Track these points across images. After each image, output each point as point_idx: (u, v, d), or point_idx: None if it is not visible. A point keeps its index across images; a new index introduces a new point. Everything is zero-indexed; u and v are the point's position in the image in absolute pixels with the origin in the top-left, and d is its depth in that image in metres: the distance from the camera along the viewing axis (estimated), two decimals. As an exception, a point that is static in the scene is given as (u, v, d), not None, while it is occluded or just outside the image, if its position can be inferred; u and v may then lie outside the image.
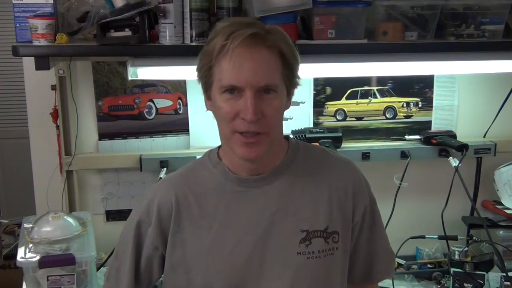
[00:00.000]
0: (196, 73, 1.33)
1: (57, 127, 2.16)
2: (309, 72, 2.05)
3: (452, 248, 2.20)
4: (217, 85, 1.27)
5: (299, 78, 1.34)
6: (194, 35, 1.80)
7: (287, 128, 2.22)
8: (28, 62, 2.01)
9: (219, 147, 1.41)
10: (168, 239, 1.36)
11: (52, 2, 1.79)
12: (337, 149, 2.21)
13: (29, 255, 1.83)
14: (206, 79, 1.30)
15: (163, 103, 2.24)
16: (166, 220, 1.36)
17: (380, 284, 1.54)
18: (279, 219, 1.34)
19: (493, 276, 2.12)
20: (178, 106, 2.25)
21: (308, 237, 1.33)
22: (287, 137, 1.43)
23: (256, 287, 1.33)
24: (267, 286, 1.33)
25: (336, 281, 1.38)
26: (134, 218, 1.40)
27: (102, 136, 2.23)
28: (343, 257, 1.38)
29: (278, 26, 1.32)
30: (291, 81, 1.31)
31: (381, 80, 2.33)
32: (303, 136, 2.20)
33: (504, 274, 2.07)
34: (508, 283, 2.06)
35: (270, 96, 1.26)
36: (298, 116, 2.29)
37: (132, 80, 2.06)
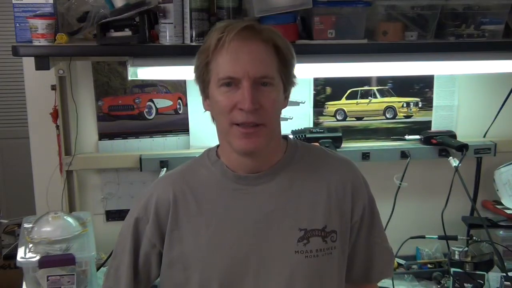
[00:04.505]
0: (193, 74, 1.34)
1: (57, 127, 2.16)
2: (309, 72, 2.05)
3: (452, 248, 2.21)
4: (215, 79, 1.28)
5: (295, 77, 1.35)
6: (194, 35, 1.81)
7: (287, 128, 2.22)
8: (28, 62, 2.00)
9: (218, 146, 1.41)
10: (165, 236, 1.37)
11: (52, 2, 1.80)
12: (337, 149, 2.21)
13: (29, 255, 1.83)
14: (203, 77, 1.31)
15: (163, 103, 2.24)
16: (163, 217, 1.36)
17: (380, 284, 1.54)
18: (277, 217, 1.34)
19: (493, 276, 2.12)
20: (178, 106, 2.25)
21: (306, 236, 1.33)
22: (285, 136, 1.43)
23: (253, 285, 1.33)
24: (265, 284, 1.33)
25: (334, 280, 1.38)
26: (132, 216, 1.41)
27: (102, 136, 2.23)
28: (341, 256, 1.38)
29: (276, 27, 1.34)
30: (287, 77, 1.32)
31: (381, 80, 2.33)
32: (303, 136, 2.20)
33: (504, 274, 2.07)
34: (508, 283, 2.06)
35: (267, 89, 1.27)
36: (298, 116, 2.29)
37: (132, 80, 2.06)
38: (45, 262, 1.80)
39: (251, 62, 1.25)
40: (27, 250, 1.85)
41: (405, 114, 2.37)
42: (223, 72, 1.26)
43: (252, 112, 1.24)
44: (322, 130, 2.24)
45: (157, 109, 2.24)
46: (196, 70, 1.33)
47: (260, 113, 1.26)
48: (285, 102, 1.35)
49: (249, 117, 1.25)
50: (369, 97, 2.34)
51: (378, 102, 2.35)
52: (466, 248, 2.18)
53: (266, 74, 1.26)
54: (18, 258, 1.83)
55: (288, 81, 1.33)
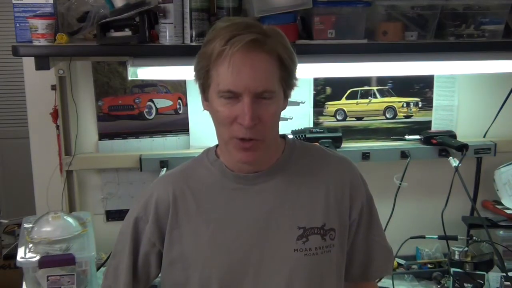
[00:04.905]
0: (193, 74, 1.34)
1: (57, 127, 2.16)
2: (309, 72, 2.05)
3: (452, 248, 2.20)
4: (215, 88, 1.27)
5: (296, 79, 1.34)
6: (194, 35, 1.80)
7: (287, 128, 2.22)
8: (28, 62, 2.00)
9: (217, 145, 1.41)
10: (165, 236, 1.37)
11: (52, 2, 1.79)
12: (337, 149, 2.21)
13: (29, 255, 1.83)
14: (203, 81, 1.30)
15: (163, 103, 2.24)
16: (163, 216, 1.37)
17: (380, 284, 1.54)
18: (277, 216, 1.35)
19: (493, 276, 2.11)
20: (178, 106, 2.25)
21: (305, 234, 1.34)
22: (284, 136, 1.43)
23: (253, 283, 1.34)
24: (264, 282, 1.34)
25: (333, 278, 1.38)
26: (131, 216, 1.41)
27: (102, 136, 2.23)
28: (340, 254, 1.38)
29: (276, 27, 1.32)
30: (288, 84, 1.32)
31: (381, 80, 2.33)
32: (303, 136, 2.20)
33: (504, 274, 2.07)
34: (508, 283, 2.06)
35: (268, 101, 1.26)
36: (298, 116, 2.29)
37: (132, 80, 2.06)
38: (45, 262, 1.80)
39: (253, 77, 1.23)
40: (27, 250, 1.85)
41: (405, 114, 2.37)
42: (223, 84, 1.25)
43: (251, 127, 1.24)
44: (322, 130, 2.24)
45: (157, 109, 2.24)
46: (196, 72, 1.32)
47: (259, 128, 1.26)
48: (284, 103, 1.35)
49: (247, 133, 1.25)
50: (369, 97, 2.33)
51: (378, 102, 2.34)
52: (466, 248, 2.18)
53: (267, 89, 1.25)
54: (18, 258, 1.83)
55: (288, 86, 1.32)
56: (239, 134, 1.26)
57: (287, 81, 1.31)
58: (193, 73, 1.34)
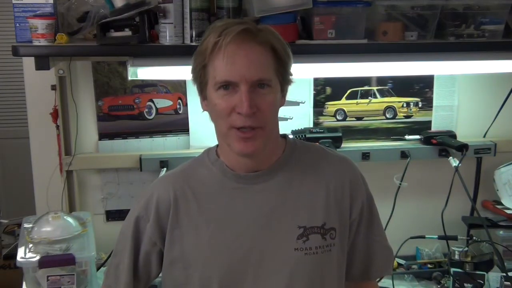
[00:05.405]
0: (191, 75, 1.35)
1: (57, 127, 2.16)
2: (309, 72, 2.05)
3: (452, 248, 2.20)
4: (212, 82, 1.28)
5: (291, 75, 1.35)
6: (194, 35, 1.81)
7: (287, 128, 2.22)
8: (28, 62, 2.01)
9: (217, 145, 1.42)
10: (166, 235, 1.37)
11: (52, 2, 1.80)
12: (337, 149, 2.21)
13: (29, 255, 1.83)
14: (201, 79, 1.32)
15: (163, 103, 2.24)
16: (164, 216, 1.37)
17: (380, 284, 1.54)
18: (277, 215, 1.35)
19: (493, 276, 2.12)
20: (178, 106, 2.25)
21: (306, 233, 1.34)
22: (284, 135, 1.44)
23: (253, 283, 1.34)
24: (265, 281, 1.34)
25: (333, 277, 1.38)
26: (132, 215, 1.42)
27: (102, 136, 2.24)
28: (340, 253, 1.39)
29: (276, 27, 1.34)
30: (284, 77, 1.33)
31: (381, 80, 2.33)
32: (303, 136, 2.20)
33: (504, 274, 2.07)
34: (508, 283, 2.06)
35: (265, 91, 1.27)
36: (298, 116, 2.29)
37: (132, 80, 2.07)
38: (45, 262, 1.80)
39: (248, 66, 1.25)
40: (27, 250, 1.85)
41: (405, 114, 2.37)
42: (220, 76, 1.26)
43: (250, 115, 1.25)
44: (322, 130, 2.24)
45: (157, 109, 2.24)
46: (193, 72, 1.34)
47: (258, 116, 1.27)
48: (282, 100, 1.36)
49: (247, 121, 1.26)
50: (369, 97, 2.34)
51: (378, 102, 2.35)
52: (466, 248, 2.18)
53: (263, 77, 1.27)
54: (18, 258, 1.83)
55: (285, 80, 1.34)
56: (238, 123, 1.26)
57: (283, 74, 1.32)
58: (191, 74, 1.35)
